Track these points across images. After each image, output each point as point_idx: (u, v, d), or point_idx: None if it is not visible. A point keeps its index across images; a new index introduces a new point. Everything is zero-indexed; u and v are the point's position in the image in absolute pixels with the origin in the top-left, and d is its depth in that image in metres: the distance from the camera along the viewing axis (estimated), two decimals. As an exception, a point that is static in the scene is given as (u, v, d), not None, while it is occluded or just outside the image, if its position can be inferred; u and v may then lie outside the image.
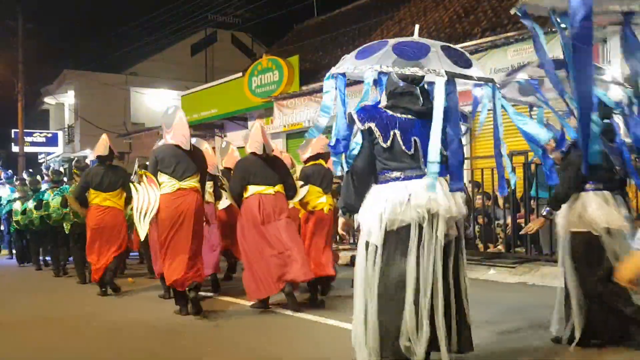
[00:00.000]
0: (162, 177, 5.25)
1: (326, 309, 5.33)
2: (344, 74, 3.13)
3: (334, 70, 3.15)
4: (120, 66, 25.04)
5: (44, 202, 8.50)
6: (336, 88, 3.12)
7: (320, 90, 11.49)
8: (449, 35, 10.46)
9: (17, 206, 9.55)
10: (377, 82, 3.26)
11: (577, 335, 3.61)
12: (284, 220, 5.38)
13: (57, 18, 34.23)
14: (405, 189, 2.97)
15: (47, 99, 27.55)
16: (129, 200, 6.41)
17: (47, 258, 9.66)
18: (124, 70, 24.96)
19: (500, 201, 8.42)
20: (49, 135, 26.68)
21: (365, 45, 3.24)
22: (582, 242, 3.68)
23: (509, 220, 7.53)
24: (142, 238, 5.61)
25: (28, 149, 24.03)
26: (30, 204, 8.98)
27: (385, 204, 2.97)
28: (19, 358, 4.09)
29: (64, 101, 26.51)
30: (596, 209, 3.63)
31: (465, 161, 8.80)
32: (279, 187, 5.45)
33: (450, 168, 3.00)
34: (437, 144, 2.87)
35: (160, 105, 24.32)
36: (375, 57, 3.07)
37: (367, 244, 3.00)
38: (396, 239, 2.94)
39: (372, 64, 3.03)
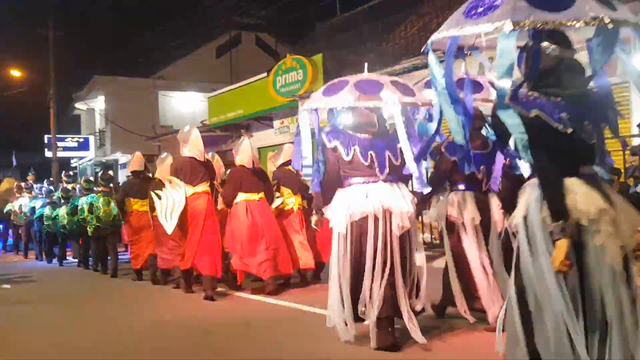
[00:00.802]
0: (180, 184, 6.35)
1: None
2: (316, 109, 4.04)
3: (307, 106, 4.03)
4: (148, 70, 25.41)
5: (78, 207, 9.26)
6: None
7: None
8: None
9: (48, 212, 10.71)
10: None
11: None
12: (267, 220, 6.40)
13: (86, 25, 34.88)
14: (363, 190, 3.88)
15: (78, 105, 28.10)
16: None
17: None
18: (152, 75, 25.33)
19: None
20: (81, 140, 27.19)
21: (329, 84, 4.08)
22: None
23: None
24: (170, 232, 6.45)
25: (61, 154, 24.54)
26: (63, 211, 9.98)
27: (349, 201, 3.88)
28: (60, 357, 4.21)
29: (94, 106, 27.02)
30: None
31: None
32: (262, 195, 6.45)
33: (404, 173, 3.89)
34: (410, 155, 3.59)
35: (187, 107, 24.67)
36: (341, 94, 3.85)
37: (338, 234, 3.90)
38: (359, 229, 3.86)
39: (340, 101, 3.85)
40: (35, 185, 13.27)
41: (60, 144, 24.83)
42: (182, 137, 6.50)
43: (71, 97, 27.46)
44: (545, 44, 2.46)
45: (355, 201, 3.86)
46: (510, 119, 2.34)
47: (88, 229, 8.90)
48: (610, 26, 2.19)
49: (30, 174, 14.93)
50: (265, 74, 15.19)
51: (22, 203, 12.69)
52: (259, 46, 27.02)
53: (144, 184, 7.81)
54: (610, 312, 2.28)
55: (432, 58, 2.69)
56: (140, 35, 26.73)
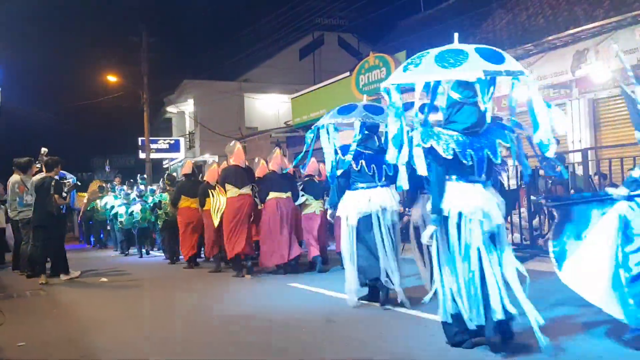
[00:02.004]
0: (228, 187, 8.01)
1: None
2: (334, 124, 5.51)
3: (323, 122, 5.52)
4: (234, 74, 26.13)
5: (162, 202, 10.92)
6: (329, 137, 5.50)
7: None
8: (567, 19, 9.82)
9: (122, 210, 12.39)
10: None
11: None
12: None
13: (175, 31, 36.43)
14: (367, 194, 5.22)
15: (169, 108, 29.38)
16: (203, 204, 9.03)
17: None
18: (238, 78, 26.02)
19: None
20: (172, 142, 28.39)
21: (342, 106, 5.65)
22: None
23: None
24: (216, 225, 8.37)
25: (153, 156, 25.75)
26: (137, 208, 12.08)
27: (357, 201, 5.19)
28: (148, 350, 4.35)
29: (184, 109, 28.15)
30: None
31: (590, 151, 8.26)
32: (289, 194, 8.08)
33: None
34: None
35: (271, 109, 25.16)
36: (355, 113, 5.45)
37: (348, 226, 5.25)
38: (364, 223, 5.18)
39: (355, 117, 5.41)
40: (119, 187, 14.61)
41: (153, 146, 26.05)
42: (228, 150, 8.32)
43: (163, 101, 28.73)
44: (451, 92, 3.79)
45: (362, 202, 5.21)
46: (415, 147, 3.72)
47: (158, 222, 11.08)
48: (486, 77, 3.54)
49: (117, 177, 16.80)
50: (348, 73, 15.19)
51: (106, 201, 14.12)
52: (342, 46, 27.09)
53: (193, 185, 9.51)
54: (485, 265, 3.64)
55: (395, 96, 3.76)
56: (226, 40, 27.57)
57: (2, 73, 13.21)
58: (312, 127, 5.77)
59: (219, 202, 8.29)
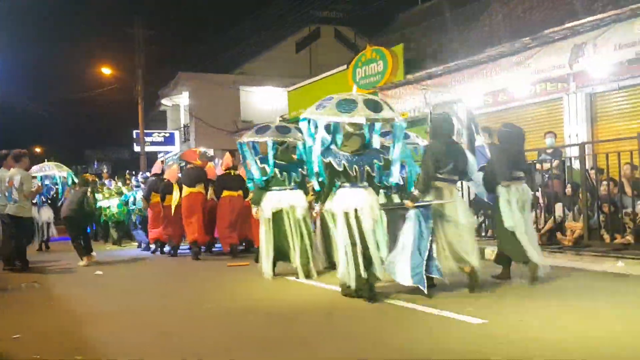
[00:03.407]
0: (184, 186, 9.86)
1: (440, 301, 5.18)
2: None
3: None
4: (230, 66, 26.01)
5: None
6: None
7: (426, 78, 11.25)
8: (566, 12, 9.80)
9: (114, 203, 14.10)
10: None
11: None
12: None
13: (170, 24, 36.24)
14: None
15: (164, 101, 29.21)
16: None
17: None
18: (233, 71, 25.89)
19: (628, 188, 7.76)
20: (167, 135, 28.26)
21: (258, 126, 7.52)
22: None
23: (638, 208, 6.90)
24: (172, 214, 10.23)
25: (148, 149, 25.64)
26: (113, 203, 13.82)
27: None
28: (142, 342, 4.32)
29: (179, 102, 27.99)
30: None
31: (587, 146, 8.24)
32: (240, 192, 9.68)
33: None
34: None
35: (267, 102, 25.05)
36: (268, 133, 7.14)
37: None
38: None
39: (268, 137, 7.08)
40: (108, 181, 15.78)
41: (147, 139, 25.92)
42: (184, 155, 11.01)
43: (157, 94, 28.59)
44: (346, 126, 5.49)
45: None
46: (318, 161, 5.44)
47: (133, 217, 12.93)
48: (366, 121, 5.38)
49: (104, 171, 17.50)
50: (344, 67, 15.12)
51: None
52: (338, 40, 26.99)
53: (159, 182, 10.97)
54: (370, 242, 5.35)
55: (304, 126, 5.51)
56: (222, 32, 27.42)
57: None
58: (238, 143, 7.34)
59: (177, 197, 10.09)
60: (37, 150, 47.99)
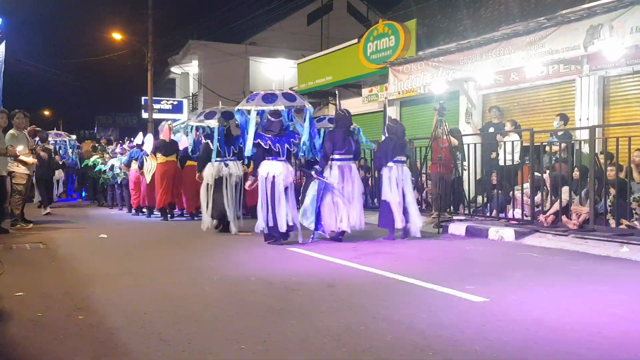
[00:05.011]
0: (158, 155, 11.37)
1: (441, 277, 5.19)
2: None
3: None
4: (241, 37, 25.79)
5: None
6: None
7: (438, 55, 11.11)
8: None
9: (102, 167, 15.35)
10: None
11: None
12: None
13: (182, -9, 35.81)
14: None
15: (173, 69, 29.08)
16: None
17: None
18: (244, 41, 25.69)
19: (637, 174, 7.69)
20: (175, 103, 28.22)
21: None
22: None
23: (646, 194, 6.84)
24: (148, 182, 11.65)
25: (156, 116, 25.61)
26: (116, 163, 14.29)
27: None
28: (146, 304, 4.35)
29: (188, 70, 27.87)
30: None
31: (597, 129, 8.15)
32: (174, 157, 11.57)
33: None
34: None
35: (277, 73, 24.90)
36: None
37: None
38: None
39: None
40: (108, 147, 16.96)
41: (155, 106, 25.89)
42: (160, 128, 12.11)
43: (167, 61, 28.42)
44: (269, 115, 7.71)
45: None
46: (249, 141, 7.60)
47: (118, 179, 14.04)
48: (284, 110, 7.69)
49: (104, 137, 18.86)
50: (355, 40, 14.94)
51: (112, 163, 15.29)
52: (351, 13, 26.69)
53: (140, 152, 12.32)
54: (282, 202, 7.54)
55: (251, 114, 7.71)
56: (233, 1, 27.10)
57: (5, 23, 13.00)
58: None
59: (150, 166, 11.51)
60: (46, 113, 48.03)
